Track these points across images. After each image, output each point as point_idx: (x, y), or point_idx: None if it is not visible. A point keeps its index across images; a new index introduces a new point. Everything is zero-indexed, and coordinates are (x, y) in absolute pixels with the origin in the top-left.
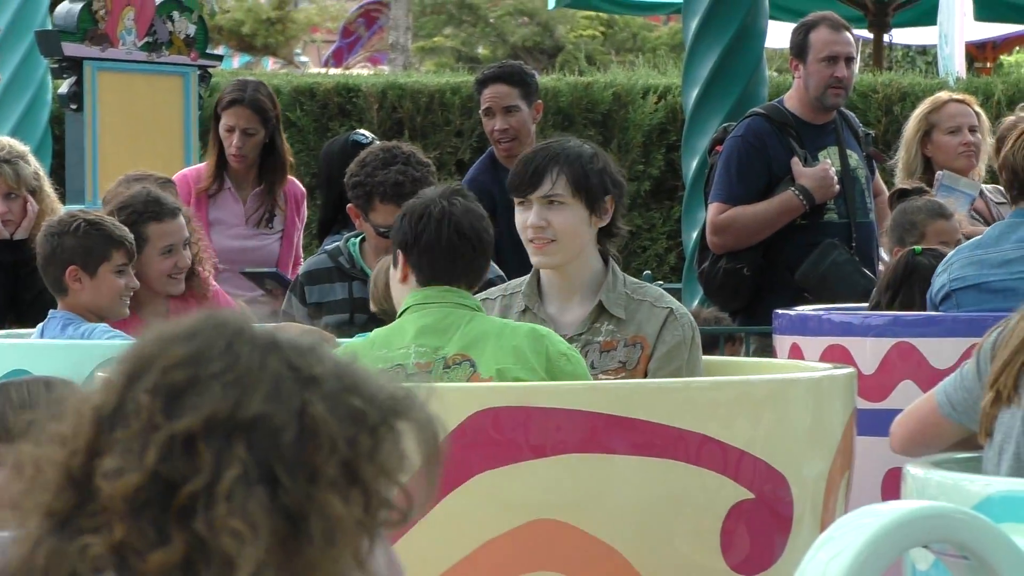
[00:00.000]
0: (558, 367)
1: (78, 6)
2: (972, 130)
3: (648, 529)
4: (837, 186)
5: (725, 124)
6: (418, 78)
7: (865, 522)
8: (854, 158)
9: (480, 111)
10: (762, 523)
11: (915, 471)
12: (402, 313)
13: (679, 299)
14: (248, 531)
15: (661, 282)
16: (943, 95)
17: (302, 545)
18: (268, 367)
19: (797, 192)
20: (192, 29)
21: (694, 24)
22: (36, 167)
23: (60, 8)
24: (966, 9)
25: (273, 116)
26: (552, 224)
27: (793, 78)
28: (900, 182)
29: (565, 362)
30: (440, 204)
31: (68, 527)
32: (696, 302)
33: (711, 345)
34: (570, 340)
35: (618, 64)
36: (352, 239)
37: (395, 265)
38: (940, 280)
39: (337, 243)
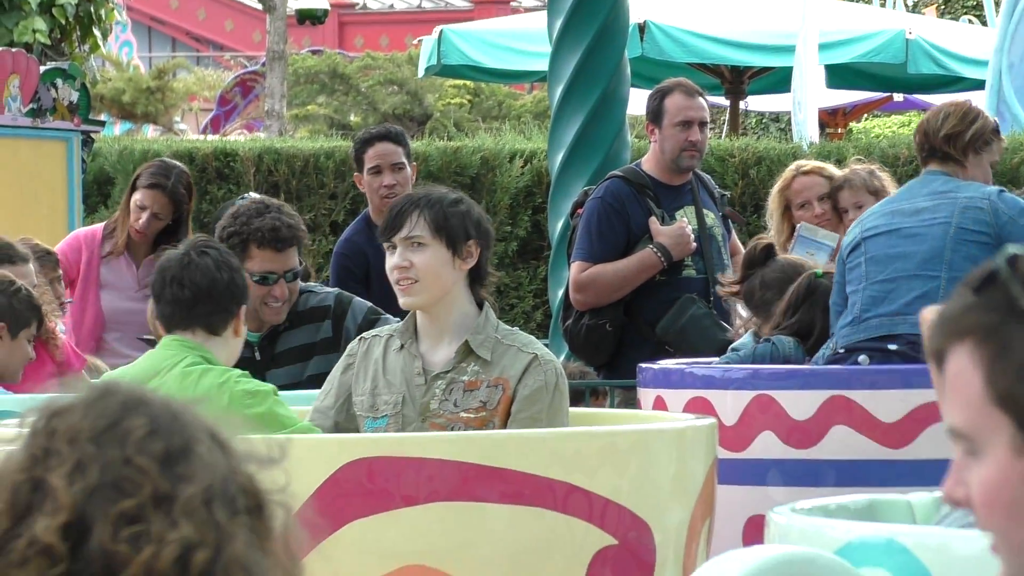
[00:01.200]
0: (244, 405)
1: None
2: (821, 199)
3: (517, 575)
4: (694, 243)
5: (586, 188)
6: (293, 143)
7: (728, 567)
8: (711, 217)
9: (364, 170)
10: (626, 569)
11: (777, 517)
12: None
13: None
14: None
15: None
16: (790, 171)
17: None
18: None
19: (655, 250)
20: (75, 96)
21: (559, 90)
22: None
23: None
24: (818, 77)
25: (186, 208)
26: (414, 264)
27: (650, 142)
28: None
29: (250, 400)
30: (185, 257)
31: None
32: (562, 358)
33: (577, 398)
34: (436, 377)
35: (485, 130)
36: None
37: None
38: (852, 232)
39: None
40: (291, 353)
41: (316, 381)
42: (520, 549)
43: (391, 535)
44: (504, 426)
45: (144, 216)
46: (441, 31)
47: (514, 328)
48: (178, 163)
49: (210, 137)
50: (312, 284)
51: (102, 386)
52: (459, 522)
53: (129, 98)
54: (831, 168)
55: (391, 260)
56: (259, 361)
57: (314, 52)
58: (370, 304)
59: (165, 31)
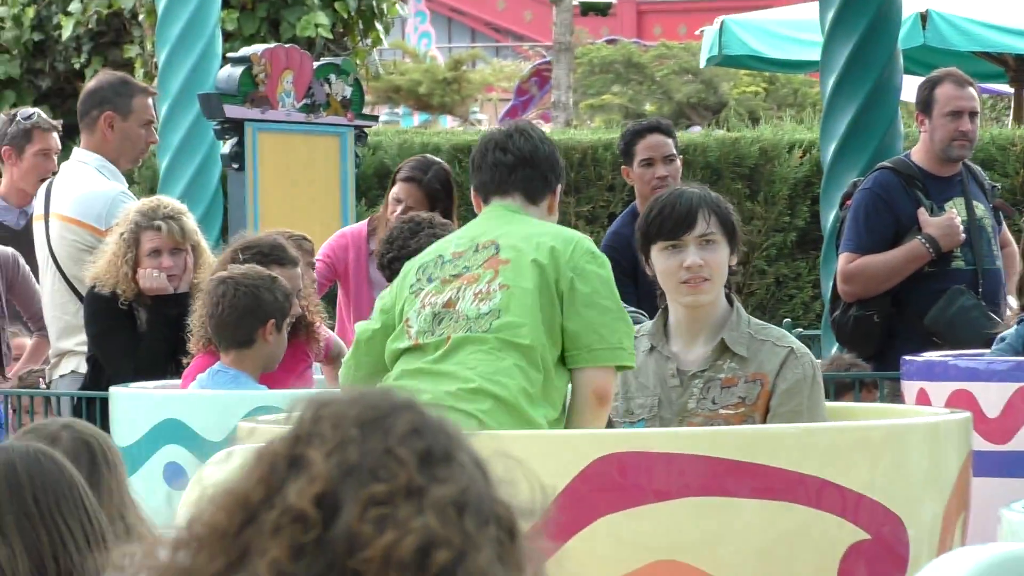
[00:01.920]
0: (585, 260)
1: (239, 70)
2: None
3: (768, 570)
4: (963, 235)
5: (855, 179)
6: (572, 135)
7: (955, 564)
8: (980, 208)
9: (635, 162)
10: (880, 563)
11: (1010, 515)
12: None
13: (818, 346)
14: None
15: (801, 329)
16: None
17: None
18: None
19: (924, 241)
20: (348, 91)
21: (831, 81)
22: (195, 223)
23: (222, 72)
24: None
25: (441, 205)
26: (708, 263)
27: (920, 132)
28: None
29: (592, 258)
30: (489, 135)
31: None
32: (834, 349)
33: (848, 390)
34: (693, 376)
35: (777, 119)
36: None
37: None
38: None
39: None
40: None
41: None
42: (771, 544)
43: (642, 530)
44: (763, 421)
45: (398, 209)
46: (723, 22)
47: (765, 323)
48: (439, 160)
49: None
50: None
51: (377, 387)
52: (710, 517)
53: (425, 89)
54: None
55: (680, 258)
56: None
57: (609, 42)
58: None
59: (464, 22)
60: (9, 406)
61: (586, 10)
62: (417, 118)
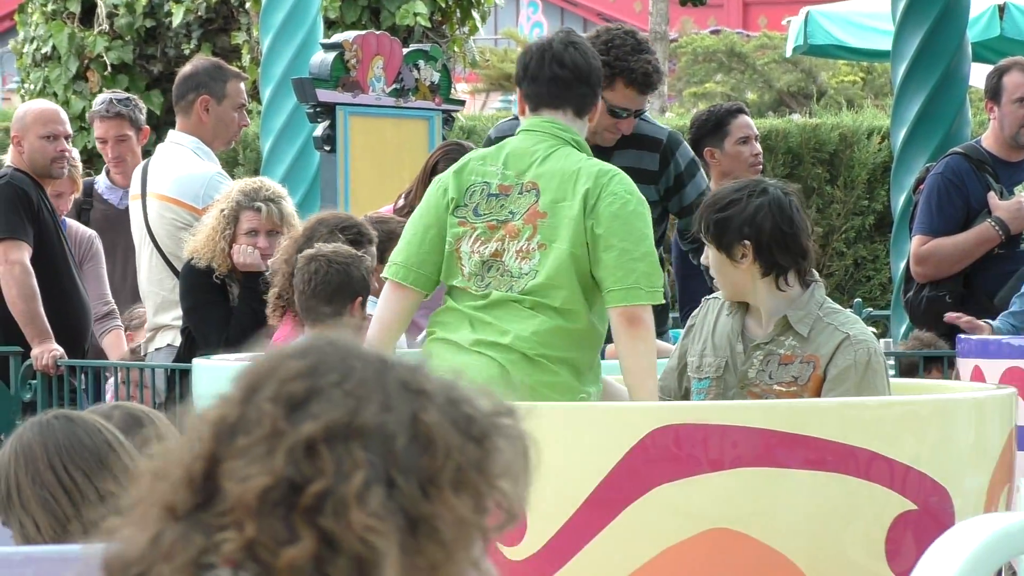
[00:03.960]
0: (600, 207)
1: (331, 56)
2: None
3: (819, 539)
4: None
5: (927, 164)
6: (668, 120)
7: (967, 534)
8: None
9: (731, 140)
10: (925, 532)
11: None
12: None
13: (887, 326)
14: (385, 529)
15: (870, 309)
16: None
17: (421, 547)
18: (381, 380)
19: (994, 223)
20: (436, 76)
21: (902, 69)
22: (293, 207)
23: (315, 58)
24: None
25: None
26: (711, 264)
27: (989, 119)
28: None
29: (609, 200)
30: (547, 44)
31: (190, 523)
32: (904, 328)
33: (926, 367)
34: (756, 347)
35: (875, 107)
36: None
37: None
38: None
39: None
40: None
41: None
42: (822, 513)
43: (697, 499)
44: None
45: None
46: (807, 12)
47: (838, 307)
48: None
49: None
50: (647, 115)
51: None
52: (763, 487)
53: None
54: None
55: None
56: None
57: (714, 32)
58: (693, 155)
59: (577, 12)
60: (117, 378)
61: (684, 0)
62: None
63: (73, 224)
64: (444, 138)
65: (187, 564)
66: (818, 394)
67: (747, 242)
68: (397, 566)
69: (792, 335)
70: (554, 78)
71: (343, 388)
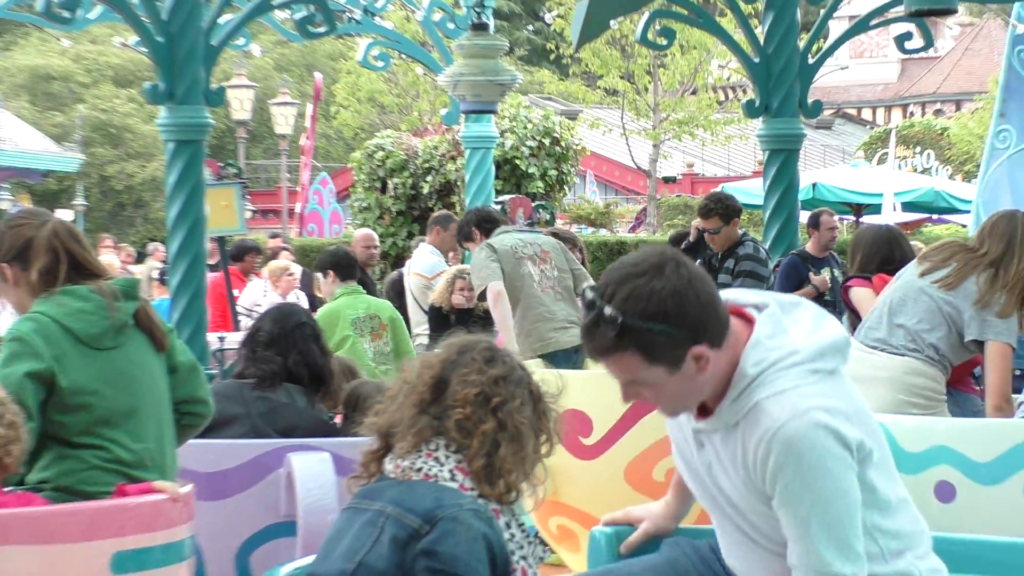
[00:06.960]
0: None
1: (499, 206)
2: None
3: None
4: None
5: (778, 259)
6: None
7: None
8: None
9: (822, 229)
10: None
11: None
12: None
13: None
14: (528, 423)
15: None
16: None
17: (535, 435)
18: (509, 362)
19: (812, 286)
20: (548, 216)
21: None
22: None
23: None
24: None
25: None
26: None
27: (809, 237)
28: None
29: None
30: None
31: (426, 411)
32: None
33: None
34: None
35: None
36: None
37: None
38: None
39: None
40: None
41: None
42: None
43: None
44: None
45: None
46: None
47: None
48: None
49: None
50: None
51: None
52: None
53: None
54: None
55: None
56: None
57: None
58: None
59: None
60: None
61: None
62: None
63: None
64: None
65: (423, 429)
66: None
67: None
68: (533, 441)
69: None
70: None
71: (506, 358)
